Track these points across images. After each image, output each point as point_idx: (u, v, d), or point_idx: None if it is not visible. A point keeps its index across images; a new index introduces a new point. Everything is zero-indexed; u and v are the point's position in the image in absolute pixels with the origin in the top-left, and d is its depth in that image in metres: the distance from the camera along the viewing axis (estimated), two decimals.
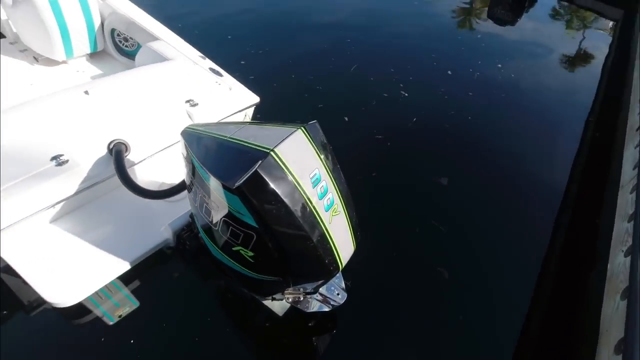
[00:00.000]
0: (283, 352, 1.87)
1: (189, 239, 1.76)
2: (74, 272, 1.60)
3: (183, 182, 1.59)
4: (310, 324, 1.86)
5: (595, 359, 1.77)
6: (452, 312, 2.06)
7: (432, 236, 2.44)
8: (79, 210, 1.81)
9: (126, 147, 1.80)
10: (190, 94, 2.16)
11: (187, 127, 1.44)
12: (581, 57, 5.63)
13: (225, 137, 1.27)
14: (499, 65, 4.64)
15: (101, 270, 1.64)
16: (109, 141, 1.77)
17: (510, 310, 2.15)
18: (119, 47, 2.87)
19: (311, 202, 1.20)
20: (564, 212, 2.78)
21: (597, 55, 5.67)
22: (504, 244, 2.50)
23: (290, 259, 1.28)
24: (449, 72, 4.32)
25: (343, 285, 1.73)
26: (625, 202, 2.53)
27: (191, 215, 1.72)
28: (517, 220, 2.68)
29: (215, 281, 2.02)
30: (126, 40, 2.81)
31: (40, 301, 1.54)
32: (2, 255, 1.57)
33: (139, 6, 2.78)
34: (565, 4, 7.70)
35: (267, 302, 1.73)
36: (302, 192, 1.17)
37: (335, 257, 1.31)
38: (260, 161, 1.11)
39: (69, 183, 1.67)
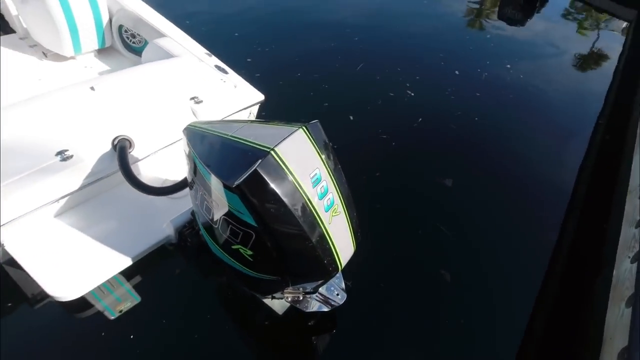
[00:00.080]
0: (282, 351, 1.87)
1: (190, 236, 1.77)
2: (77, 266, 1.62)
3: (185, 179, 1.60)
4: (310, 324, 1.86)
5: None
6: (453, 314, 2.04)
7: (434, 238, 2.42)
8: (83, 205, 1.83)
9: (130, 143, 1.81)
10: (195, 91, 2.17)
11: (189, 125, 1.44)
12: (592, 59, 5.54)
13: (227, 135, 1.27)
14: (508, 66, 4.58)
15: (104, 265, 1.66)
16: (113, 137, 1.79)
17: (512, 313, 2.12)
18: (126, 44, 2.89)
19: (311, 202, 1.19)
20: (570, 215, 2.74)
21: (609, 56, 5.56)
22: (507, 246, 2.47)
23: (289, 259, 1.27)
24: (457, 72, 4.26)
25: (343, 285, 1.73)
26: (633, 207, 2.49)
27: (192, 213, 1.73)
28: (522, 223, 2.64)
29: (217, 278, 2.03)
30: (134, 36, 2.83)
31: (43, 294, 1.56)
32: (6, 249, 1.60)
33: (147, 3, 2.81)
34: (578, 4, 7.56)
35: (267, 301, 1.73)
36: (301, 192, 1.17)
37: (335, 258, 1.31)
38: (259, 160, 1.11)
39: (73, 178, 1.69)
